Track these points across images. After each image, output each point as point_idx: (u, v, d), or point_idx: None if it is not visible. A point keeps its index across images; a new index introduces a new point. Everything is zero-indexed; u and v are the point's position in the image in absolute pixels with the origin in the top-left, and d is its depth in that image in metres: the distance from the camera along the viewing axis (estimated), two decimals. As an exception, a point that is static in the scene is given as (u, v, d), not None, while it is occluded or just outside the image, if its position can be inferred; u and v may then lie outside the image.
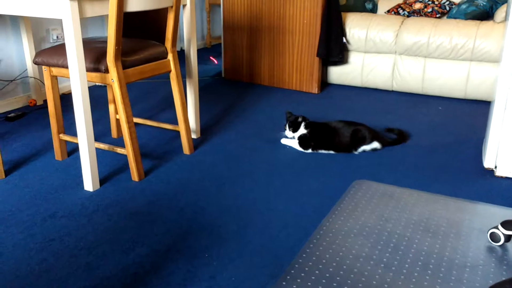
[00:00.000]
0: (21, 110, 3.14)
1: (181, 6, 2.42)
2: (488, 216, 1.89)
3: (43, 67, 2.20)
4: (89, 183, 2.08)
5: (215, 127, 2.89)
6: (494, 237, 1.70)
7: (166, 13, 2.42)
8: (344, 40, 3.61)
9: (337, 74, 3.79)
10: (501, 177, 2.24)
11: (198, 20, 5.43)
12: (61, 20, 3.43)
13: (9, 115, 2.97)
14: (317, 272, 1.54)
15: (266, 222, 1.85)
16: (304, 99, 3.48)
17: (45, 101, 3.33)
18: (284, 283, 1.48)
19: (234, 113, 3.15)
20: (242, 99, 3.46)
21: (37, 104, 3.26)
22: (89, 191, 2.08)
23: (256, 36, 3.78)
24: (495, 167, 2.26)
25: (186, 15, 2.44)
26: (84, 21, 3.68)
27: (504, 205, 1.98)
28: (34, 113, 3.11)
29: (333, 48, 3.54)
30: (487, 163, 2.28)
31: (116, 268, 1.57)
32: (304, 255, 1.62)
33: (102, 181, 2.17)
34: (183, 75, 3.65)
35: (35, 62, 2.18)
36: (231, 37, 3.92)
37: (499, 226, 1.68)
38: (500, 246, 1.69)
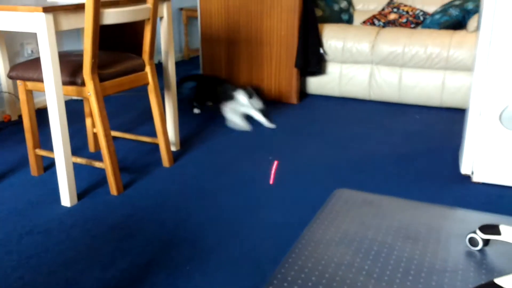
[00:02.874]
0: (-4, 126, 3.08)
1: (158, 19, 2.42)
2: (466, 221, 1.92)
3: (18, 81, 2.16)
4: (66, 198, 2.05)
5: (194, 139, 2.87)
6: (472, 242, 1.72)
7: (143, 26, 2.41)
8: (322, 51, 3.65)
9: (315, 84, 3.82)
10: (478, 183, 2.28)
11: (175, 33, 5.43)
12: (35, 34, 3.39)
13: (-17, 131, 2.91)
14: (299, 281, 1.53)
15: (247, 233, 1.84)
16: (283, 109, 3.49)
17: (20, 116, 3.27)
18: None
19: (213, 125, 3.14)
20: (220, 111, 3.46)
21: (12, 119, 3.21)
22: (66, 207, 2.04)
23: (234, 48, 3.79)
24: (472, 173, 2.29)
25: (163, 28, 2.44)
26: (59, 34, 3.64)
27: (481, 210, 2.01)
28: (8, 128, 3.05)
29: (311, 59, 3.57)
30: (464, 169, 2.32)
31: (96, 284, 1.54)
32: (286, 265, 1.62)
33: (80, 196, 2.13)
34: (161, 88, 3.64)
35: (9, 77, 2.14)
36: (209, 49, 3.93)
37: (477, 231, 1.70)
38: (478, 250, 1.71)
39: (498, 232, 1.66)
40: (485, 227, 1.69)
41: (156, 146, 2.72)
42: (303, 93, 3.91)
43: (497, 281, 1.35)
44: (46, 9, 1.80)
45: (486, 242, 1.70)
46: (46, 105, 3.51)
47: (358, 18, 4.25)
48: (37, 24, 1.83)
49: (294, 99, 3.65)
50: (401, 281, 1.53)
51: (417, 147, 2.76)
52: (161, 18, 2.42)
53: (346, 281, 1.53)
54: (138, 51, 2.46)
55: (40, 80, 2.07)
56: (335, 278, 1.55)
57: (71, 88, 2.05)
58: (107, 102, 3.66)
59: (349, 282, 1.53)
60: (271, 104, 3.64)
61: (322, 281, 1.53)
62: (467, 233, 1.82)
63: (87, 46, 1.93)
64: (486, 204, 2.07)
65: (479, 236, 1.69)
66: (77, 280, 1.56)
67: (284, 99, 3.68)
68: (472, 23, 3.45)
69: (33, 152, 2.29)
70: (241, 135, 2.94)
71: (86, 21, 1.90)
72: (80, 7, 1.93)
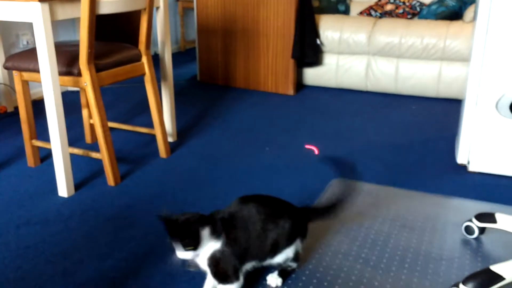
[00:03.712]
0: (-8, 117, 3.07)
1: (154, 9, 2.41)
2: (462, 210, 1.93)
3: (14, 72, 2.15)
4: (63, 188, 2.05)
5: (191, 130, 2.87)
6: (468, 230, 1.73)
7: (139, 16, 2.40)
8: (318, 42, 3.64)
9: (312, 75, 3.81)
10: (474, 172, 2.29)
11: (171, 24, 5.41)
12: (30, 24, 3.37)
13: (-21, 123, 2.90)
14: (296, 270, 1.54)
15: (244, 223, 1.84)
16: (279, 101, 3.49)
17: (16, 108, 3.26)
18: (264, 282, 1.48)
19: (210, 116, 3.14)
20: (217, 102, 3.46)
21: (8, 111, 3.20)
22: (63, 197, 2.04)
23: (231, 39, 3.78)
24: (468, 162, 2.30)
25: (159, 18, 2.43)
26: (55, 24, 3.62)
27: (477, 199, 2.02)
28: (4, 120, 3.04)
29: (308, 50, 3.57)
30: (460, 159, 2.33)
31: (94, 274, 1.54)
32: (283, 254, 1.62)
33: (77, 187, 2.13)
34: (158, 79, 3.63)
35: (5, 67, 2.13)
36: (206, 41, 3.92)
37: (473, 219, 1.71)
38: (474, 238, 1.72)
39: (494, 220, 1.67)
40: (481, 216, 1.70)
41: (153, 137, 2.72)
42: (299, 84, 3.91)
43: (493, 268, 1.36)
44: (42, -1, 1.79)
45: (482, 230, 1.71)
46: (42, 96, 3.49)
47: (354, 9, 4.24)
48: (33, 14, 1.82)
49: (290, 90, 3.65)
50: (398, 269, 1.54)
51: (413, 137, 2.77)
52: (157, 8, 2.41)
53: (343, 269, 1.54)
54: (134, 42, 2.45)
55: (36, 70, 2.06)
56: (332, 266, 1.56)
57: (67, 79, 2.04)
58: (104, 93, 3.65)
59: (346, 270, 1.54)
60: (268, 95, 3.64)
61: (319, 269, 1.54)
62: (463, 221, 1.83)
63: (83, 36, 1.92)
64: (482, 193, 2.08)
65: (475, 224, 1.70)
66: (74, 270, 1.56)
67: (281, 90, 3.68)
68: (468, 13, 3.45)
69: (29, 143, 2.29)
70: (237, 127, 2.94)
71: (82, 11, 1.89)
72: (75, -3, 1.92)
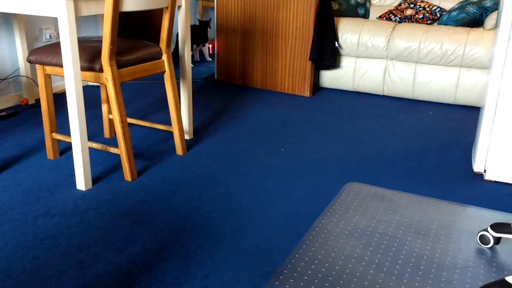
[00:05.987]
0: (13, 109, 3.12)
1: (176, 7, 2.43)
2: (478, 219, 1.92)
3: (37, 65, 2.19)
4: (81, 182, 2.08)
5: (208, 128, 2.89)
6: (483, 240, 1.72)
7: (160, 14, 2.42)
8: (337, 45, 3.64)
9: (329, 78, 3.81)
10: (490, 181, 2.27)
11: (191, 23, 5.43)
12: (54, 19, 3.42)
13: (1, 114, 2.95)
14: (309, 272, 1.55)
15: (259, 223, 1.86)
16: (296, 102, 3.50)
17: (37, 100, 3.31)
18: (277, 283, 1.49)
19: (227, 115, 3.16)
20: (234, 101, 3.47)
21: (29, 103, 3.25)
22: (81, 190, 2.07)
23: (249, 39, 3.79)
24: (485, 171, 2.29)
25: (181, 17, 2.45)
26: (78, 21, 3.67)
27: (493, 208, 2.01)
28: (26, 112, 3.09)
29: (326, 52, 3.57)
30: (477, 167, 2.31)
31: (109, 267, 1.57)
32: (296, 256, 1.63)
33: (95, 181, 2.16)
34: (177, 76, 3.66)
35: (29, 61, 2.17)
36: (225, 40, 3.94)
37: (489, 229, 1.70)
38: (489, 248, 1.72)
39: (509, 231, 1.66)
40: (496, 225, 1.69)
41: (170, 134, 2.74)
42: (316, 86, 3.91)
43: (509, 279, 1.35)
44: (67, -5, 1.82)
45: (497, 240, 1.71)
46: (63, 89, 3.54)
47: (374, 13, 4.23)
48: (58, 9, 1.85)
49: (307, 92, 3.65)
50: (411, 276, 1.54)
51: (429, 143, 2.75)
52: (179, 7, 2.43)
53: (356, 274, 1.55)
54: (155, 39, 2.47)
55: (59, 65, 2.09)
56: (345, 270, 1.56)
57: (89, 74, 2.07)
58: (124, 89, 3.69)
59: (359, 274, 1.54)
60: (284, 96, 3.65)
61: (332, 273, 1.55)
62: (478, 230, 1.82)
63: (106, 32, 1.95)
64: (498, 203, 2.06)
65: (490, 234, 1.69)
66: (90, 262, 1.59)
67: (298, 91, 3.68)
68: (489, 20, 3.42)
69: (50, 136, 2.32)
70: (254, 127, 2.96)
71: (106, 8, 1.91)
72: (100, -6, 1.95)
